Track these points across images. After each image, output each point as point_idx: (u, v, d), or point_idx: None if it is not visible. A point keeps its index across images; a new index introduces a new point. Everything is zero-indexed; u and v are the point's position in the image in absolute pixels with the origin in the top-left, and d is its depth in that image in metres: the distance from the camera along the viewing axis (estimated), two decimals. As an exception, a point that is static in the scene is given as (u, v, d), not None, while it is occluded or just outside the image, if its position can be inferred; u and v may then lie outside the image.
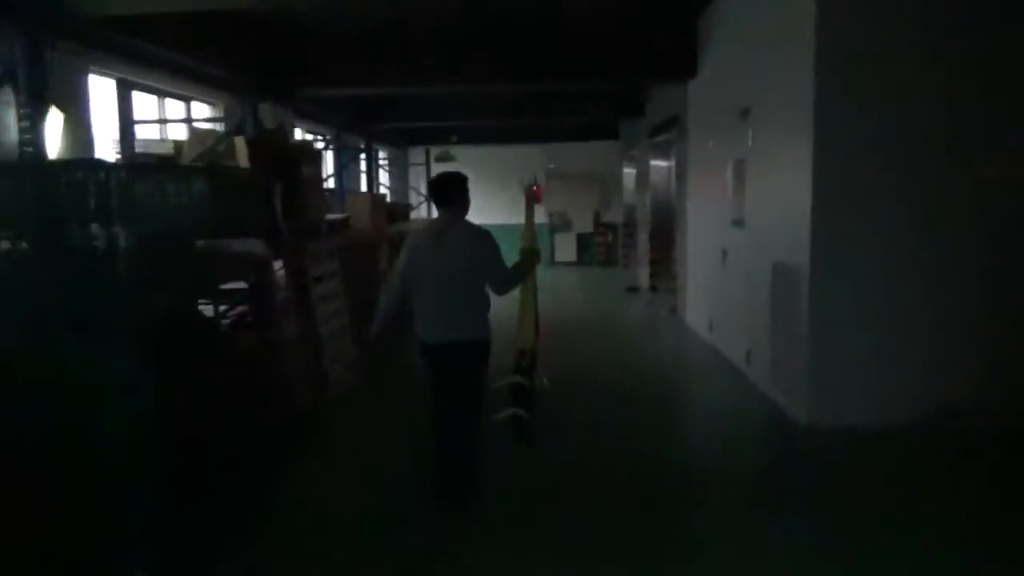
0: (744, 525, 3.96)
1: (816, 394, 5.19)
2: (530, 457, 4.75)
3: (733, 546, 3.70)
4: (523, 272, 4.25)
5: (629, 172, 15.70)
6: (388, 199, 13.55)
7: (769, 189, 5.98)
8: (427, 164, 15.38)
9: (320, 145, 9.51)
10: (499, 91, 11.86)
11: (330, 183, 9.96)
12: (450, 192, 4.00)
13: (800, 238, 5.22)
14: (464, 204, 4.05)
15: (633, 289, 12.50)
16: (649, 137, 12.07)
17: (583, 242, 17.09)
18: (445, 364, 3.95)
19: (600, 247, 17.05)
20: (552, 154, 16.87)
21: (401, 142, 15.23)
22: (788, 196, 5.48)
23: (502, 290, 4.06)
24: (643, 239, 12.83)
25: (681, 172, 9.75)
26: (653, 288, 12.17)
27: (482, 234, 3.96)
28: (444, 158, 16.88)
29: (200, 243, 4.69)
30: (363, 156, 13.64)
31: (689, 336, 8.70)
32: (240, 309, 5.92)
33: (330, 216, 7.72)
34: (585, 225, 17.03)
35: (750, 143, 6.36)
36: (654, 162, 12.10)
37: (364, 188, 13.40)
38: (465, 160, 16.79)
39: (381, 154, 15.60)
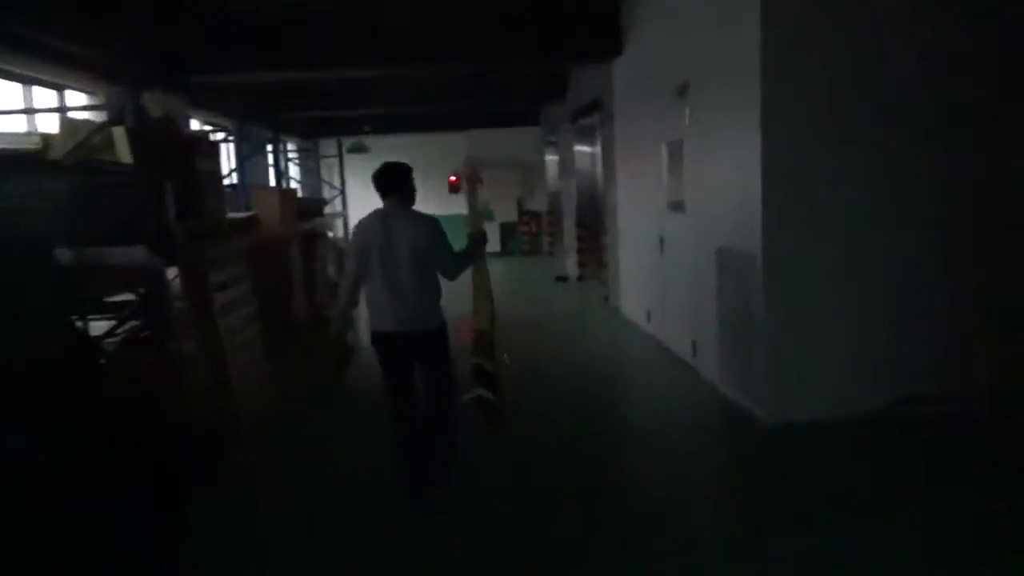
0: (714, 528, 3.61)
1: (772, 388, 4.88)
2: (476, 477, 4.30)
3: (705, 548, 3.32)
4: (472, 256, 4.26)
5: (552, 159, 15.32)
6: (299, 194, 12.72)
7: (711, 171, 5.64)
8: (340, 156, 14.54)
9: (219, 136, 8.65)
10: (413, 76, 11.24)
11: (233, 178, 9.12)
12: (395, 181, 3.98)
13: (749, 223, 4.89)
14: (409, 193, 4.03)
15: (562, 278, 12.13)
16: (571, 122, 11.69)
17: (507, 232, 16.64)
18: (400, 353, 3.92)
19: (524, 236, 16.63)
20: (472, 142, 16.32)
21: (311, 133, 14.33)
22: (734, 178, 5.14)
23: (452, 275, 4.06)
24: (569, 227, 12.47)
25: (608, 157, 9.39)
26: (582, 277, 11.84)
27: (428, 220, 3.95)
28: (358, 149, 16.10)
29: (68, 252, 3.96)
30: (270, 149, 12.75)
31: (627, 327, 8.36)
32: (132, 324, 5.17)
33: (233, 215, 6.97)
34: (508, 214, 16.57)
35: (687, 122, 6.00)
36: (578, 147, 11.73)
37: (272, 183, 12.52)
38: (381, 150, 16.01)
39: (290, 146, 14.69)
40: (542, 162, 15.74)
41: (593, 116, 10.43)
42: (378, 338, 3.94)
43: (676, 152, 6.46)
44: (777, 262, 4.78)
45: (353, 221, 15.74)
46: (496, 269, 13.46)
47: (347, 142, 15.74)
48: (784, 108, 4.67)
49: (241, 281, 6.09)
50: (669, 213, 6.73)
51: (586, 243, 11.69)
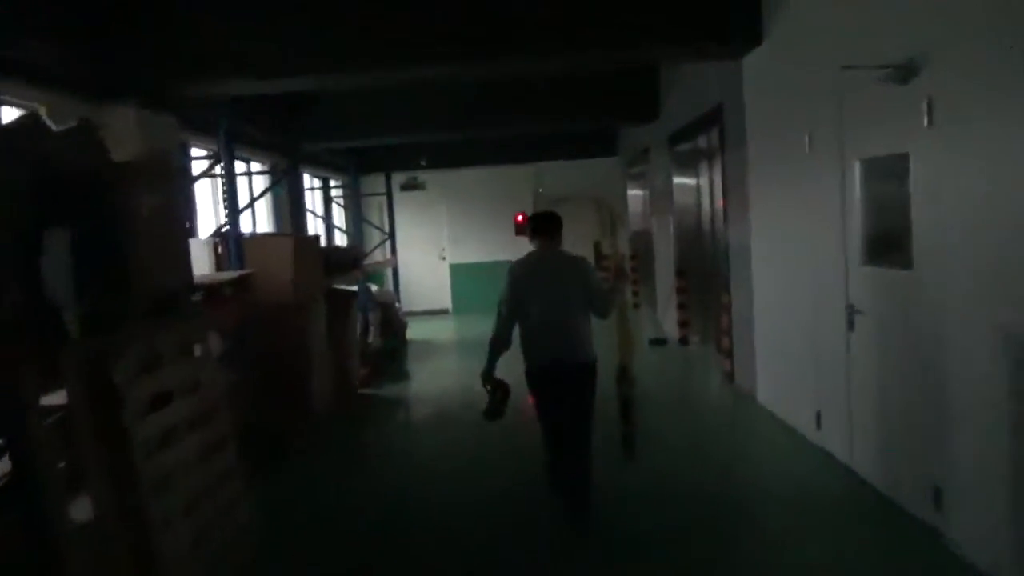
0: None
1: None
2: None
3: None
4: (617, 294, 4.43)
5: (636, 194, 13.02)
6: (341, 240, 10.76)
7: (989, 200, 3.22)
8: (388, 194, 12.49)
9: (197, 164, 6.56)
10: (465, 88, 9.13)
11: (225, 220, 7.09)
12: (552, 225, 4.22)
13: None
14: (560, 237, 4.22)
15: (659, 341, 9.66)
16: (669, 146, 9.38)
17: None
18: (559, 386, 4.04)
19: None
20: (541, 176, 14.19)
21: (350, 167, 12.21)
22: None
23: (605, 311, 4.18)
24: (666, 276, 10.06)
25: (734, 186, 7.02)
26: (685, 341, 9.36)
27: (582, 260, 4.27)
28: (412, 186, 14.15)
29: None
30: (315, 186, 10.82)
31: (775, 429, 5.82)
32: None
33: (213, 275, 4.90)
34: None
35: (926, 122, 3.60)
36: (679, 178, 9.37)
37: (308, 228, 10.55)
38: (437, 187, 14.07)
39: (332, 183, 12.84)
40: (623, 198, 13.45)
41: (704, 135, 8.11)
42: (537, 374, 4.08)
43: (885, 173, 4.07)
44: None
45: (404, 270, 13.72)
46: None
47: (399, 178, 13.80)
48: None
49: (208, 385, 3.92)
50: (868, 270, 4.31)
51: (691, 298, 9.26)
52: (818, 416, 5.11)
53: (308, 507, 4.84)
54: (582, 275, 4.10)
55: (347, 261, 7.30)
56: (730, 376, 7.25)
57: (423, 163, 13.59)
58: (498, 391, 4.07)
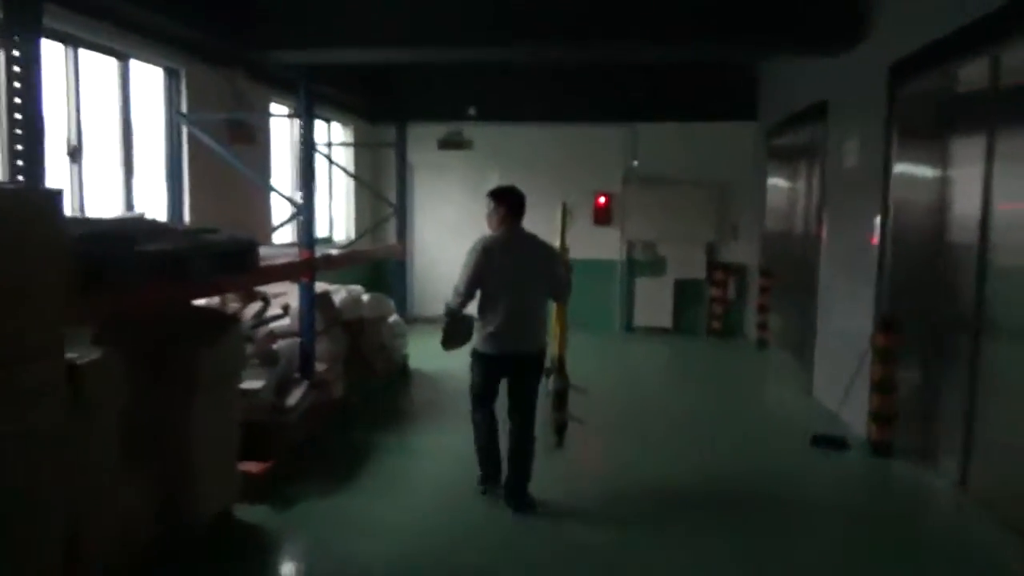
0: None
1: None
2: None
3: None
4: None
5: (779, 184, 8.61)
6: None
7: None
8: (400, 150, 8.16)
9: None
10: None
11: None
12: (521, 203, 4.12)
13: None
14: (522, 215, 4.19)
15: (832, 442, 5.28)
16: (891, 88, 5.02)
17: (686, 295, 9.84)
18: (503, 372, 4.08)
19: (715, 305, 9.83)
20: (636, 143, 9.96)
21: (300, 95, 7.79)
22: None
23: (565, 301, 4.62)
24: (847, 322, 5.69)
25: None
26: (884, 449, 5.00)
27: (549, 247, 4.23)
28: (455, 144, 10.15)
29: None
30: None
31: None
32: None
33: None
34: (689, 267, 9.80)
35: None
36: (904, 160, 4.98)
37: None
38: (487, 148, 10.00)
39: (337, 127, 8.99)
40: (760, 184, 9.04)
41: (1005, 52, 3.76)
42: (491, 357, 4.03)
43: None
44: None
45: (428, 261, 9.71)
46: (655, 371, 7.92)
47: (433, 132, 9.86)
48: None
49: None
50: None
51: (904, 370, 4.90)
52: None
53: None
54: (550, 263, 4.16)
55: (201, 260, 3.25)
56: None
57: (472, 112, 9.63)
58: (463, 323, 4.08)
